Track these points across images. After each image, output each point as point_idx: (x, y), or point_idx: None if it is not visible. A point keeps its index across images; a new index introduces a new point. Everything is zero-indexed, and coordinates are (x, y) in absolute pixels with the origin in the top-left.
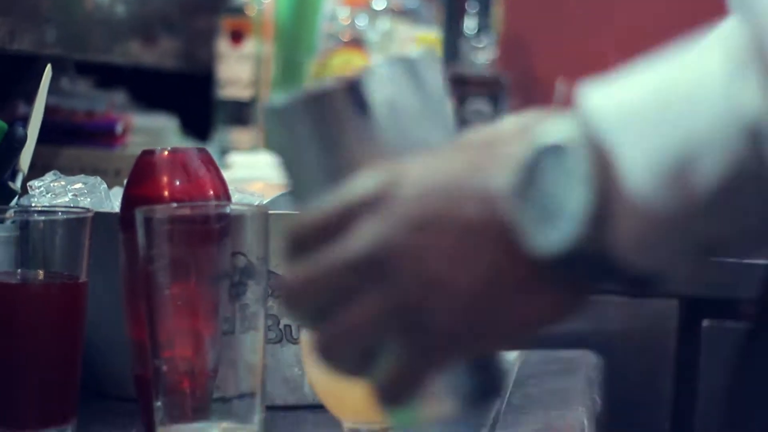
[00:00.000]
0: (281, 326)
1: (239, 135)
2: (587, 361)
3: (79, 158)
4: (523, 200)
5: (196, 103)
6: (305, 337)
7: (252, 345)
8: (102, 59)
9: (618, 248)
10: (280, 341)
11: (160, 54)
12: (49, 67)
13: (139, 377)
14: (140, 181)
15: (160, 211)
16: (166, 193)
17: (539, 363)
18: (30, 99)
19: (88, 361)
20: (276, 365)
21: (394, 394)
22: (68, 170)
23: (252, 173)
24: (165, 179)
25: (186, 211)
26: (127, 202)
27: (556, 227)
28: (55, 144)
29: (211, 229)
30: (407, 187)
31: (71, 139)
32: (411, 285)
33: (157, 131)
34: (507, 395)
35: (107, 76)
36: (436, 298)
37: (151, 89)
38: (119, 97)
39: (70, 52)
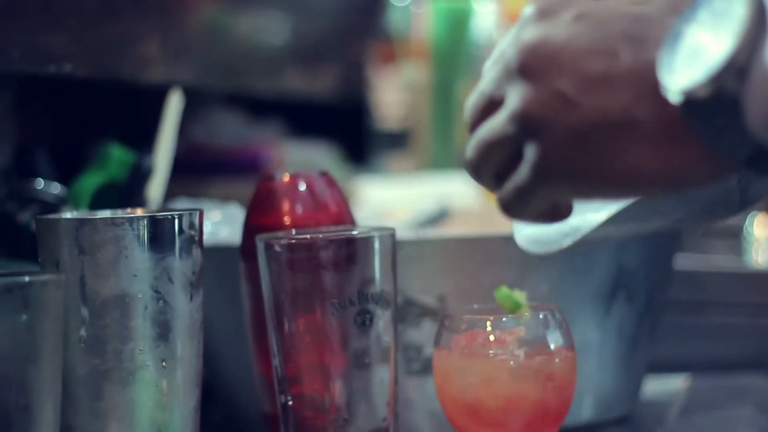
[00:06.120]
0: (423, 357)
1: (397, 161)
2: (759, 385)
3: (227, 191)
4: (670, 36)
5: (353, 132)
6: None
7: (384, 377)
8: (254, 91)
9: (749, 112)
10: (423, 372)
11: (315, 84)
12: (178, 95)
13: (270, 415)
14: (260, 209)
15: (281, 239)
16: (287, 220)
17: (709, 389)
18: (183, 131)
19: (218, 399)
20: (420, 398)
21: (511, 207)
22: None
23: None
24: (286, 206)
25: (308, 238)
26: (248, 230)
27: (696, 66)
28: (203, 176)
29: (336, 255)
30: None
31: (219, 172)
32: (536, 93)
33: (310, 161)
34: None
35: (261, 107)
36: (558, 114)
37: (307, 118)
38: (272, 128)
39: (219, 83)
